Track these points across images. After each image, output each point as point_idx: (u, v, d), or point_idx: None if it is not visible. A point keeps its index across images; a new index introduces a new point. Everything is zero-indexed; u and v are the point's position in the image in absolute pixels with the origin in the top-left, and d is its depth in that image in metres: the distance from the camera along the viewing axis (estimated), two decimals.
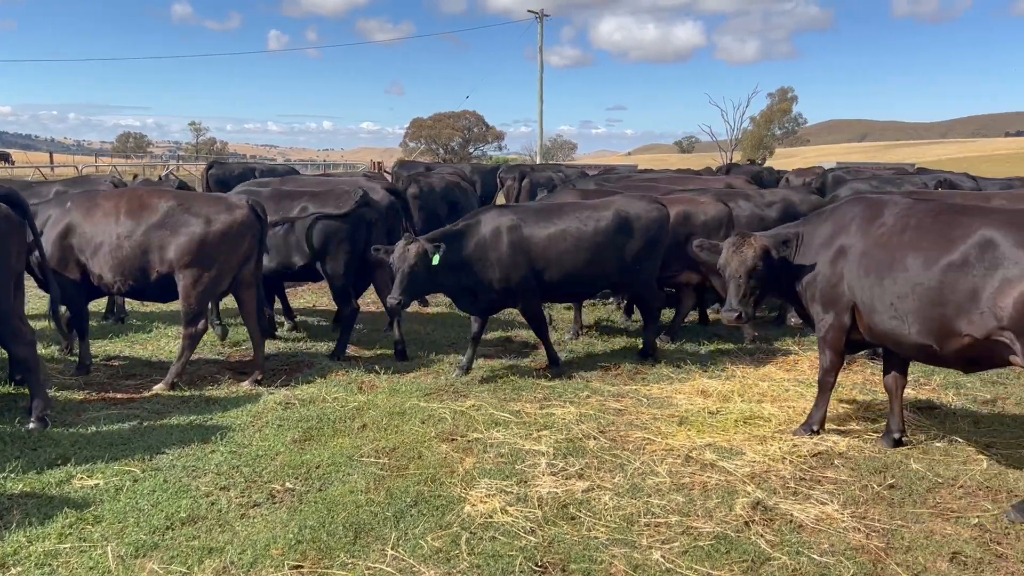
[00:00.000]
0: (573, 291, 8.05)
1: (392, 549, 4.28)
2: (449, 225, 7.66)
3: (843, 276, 5.48)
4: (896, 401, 5.81)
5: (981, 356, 4.84)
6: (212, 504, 4.81)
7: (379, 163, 24.24)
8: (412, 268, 6.83)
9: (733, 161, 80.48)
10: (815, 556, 4.23)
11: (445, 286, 7.41)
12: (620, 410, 6.58)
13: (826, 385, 5.91)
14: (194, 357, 8.12)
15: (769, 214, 9.34)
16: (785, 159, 77.65)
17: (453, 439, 5.87)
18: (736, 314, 5.86)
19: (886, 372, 5.86)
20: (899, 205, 5.38)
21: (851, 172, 13.87)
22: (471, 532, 4.45)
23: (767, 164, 65.21)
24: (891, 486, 5.14)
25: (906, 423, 6.28)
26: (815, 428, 5.92)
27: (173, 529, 4.49)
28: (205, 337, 8.79)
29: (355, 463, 5.41)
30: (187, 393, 6.92)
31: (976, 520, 4.67)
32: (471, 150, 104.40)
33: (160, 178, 17.04)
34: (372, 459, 5.48)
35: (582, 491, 4.99)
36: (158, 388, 6.94)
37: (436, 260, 6.91)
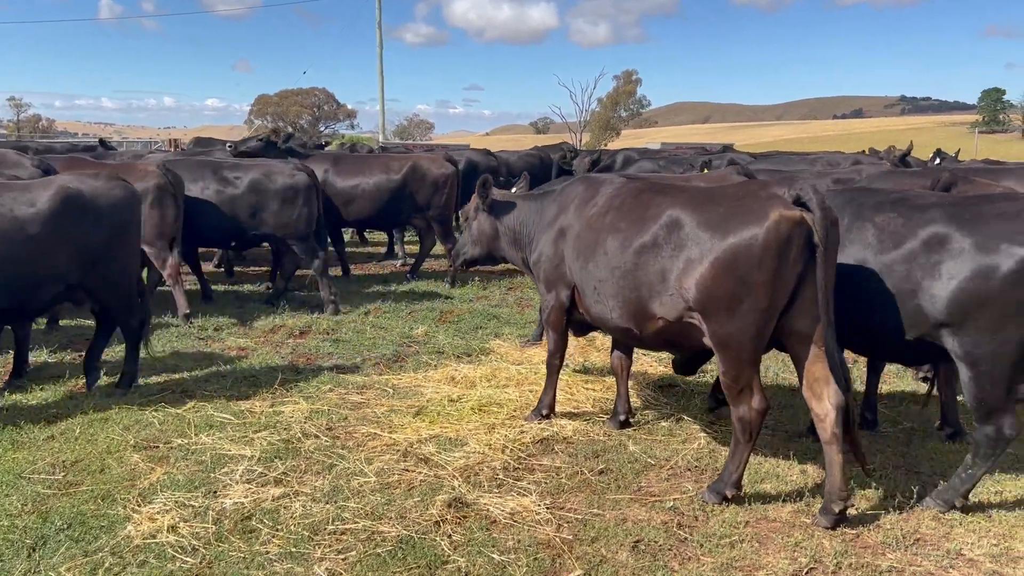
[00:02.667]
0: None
1: None
2: None
3: (563, 257, 5.35)
4: (622, 383, 5.77)
5: (678, 338, 4.79)
6: None
7: (175, 140, 22.65)
8: None
9: (584, 141, 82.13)
10: (495, 555, 4.03)
11: None
12: (359, 403, 6.22)
13: (552, 368, 5.80)
14: None
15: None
16: (633, 140, 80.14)
17: (153, 447, 5.30)
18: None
19: (612, 353, 5.82)
20: (613, 185, 5.28)
21: (646, 153, 14.22)
22: (119, 557, 3.95)
23: (607, 146, 66.65)
24: (602, 471, 5.06)
25: (645, 402, 6.33)
26: (544, 412, 5.80)
27: None
28: None
29: (22, 481, 4.75)
30: None
31: (672, 503, 4.63)
32: (321, 128, 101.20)
33: None
34: (44, 475, 4.84)
35: (274, 499, 4.59)
36: None
37: None
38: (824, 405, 4.36)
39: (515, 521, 4.38)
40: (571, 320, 5.59)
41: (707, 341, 4.51)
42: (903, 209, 4.56)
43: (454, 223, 11.62)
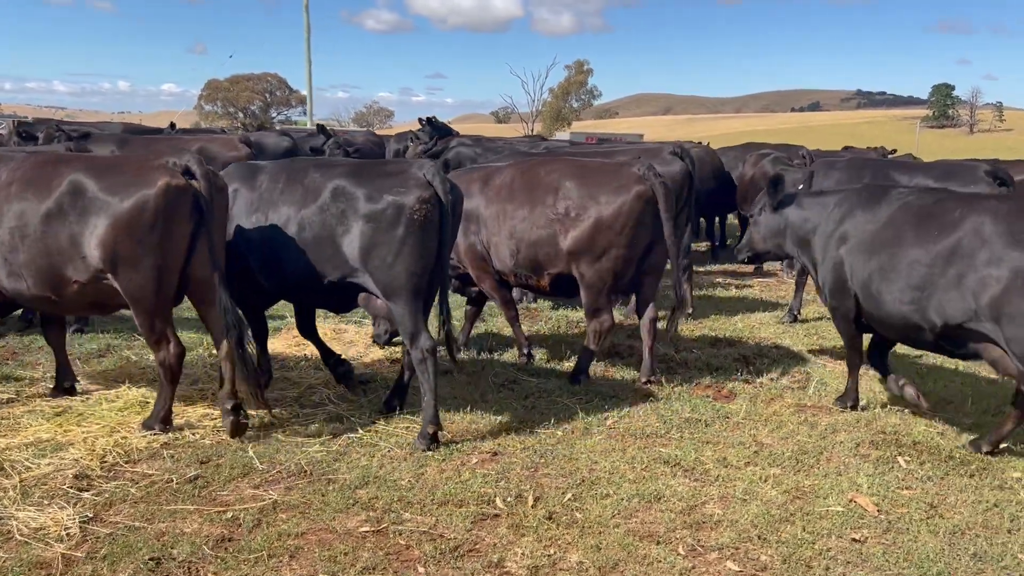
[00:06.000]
0: None
1: None
2: None
3: None
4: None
5: (99, 299, 5.04)
6: None
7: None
8: None
9: (536, 131, 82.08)
10: None
11: None
12: (5, 402, 5.75)
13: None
14: None
15: None
16: (591, 131, 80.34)
17: None
18: None
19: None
20: (15, 159, 5.19)
21: (479, 141, 13.88)
22: None
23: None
24: (194, 478, 4.67)
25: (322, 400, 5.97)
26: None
27: None
28: None
29: None
30: None
31: (234, 514, 4.27)
32: (273, 114, 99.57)
33: None
34: None
35: None
36: None
37: None
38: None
39: (33, 538, 3.97)
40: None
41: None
42: (325, 169, 5.35)
43: None
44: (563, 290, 6.44)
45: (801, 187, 6.29)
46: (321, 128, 15.85)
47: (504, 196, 6.22)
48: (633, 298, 6.70)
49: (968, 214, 4.77)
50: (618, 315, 7.09)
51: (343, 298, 5.52)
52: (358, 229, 5.06)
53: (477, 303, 7.39)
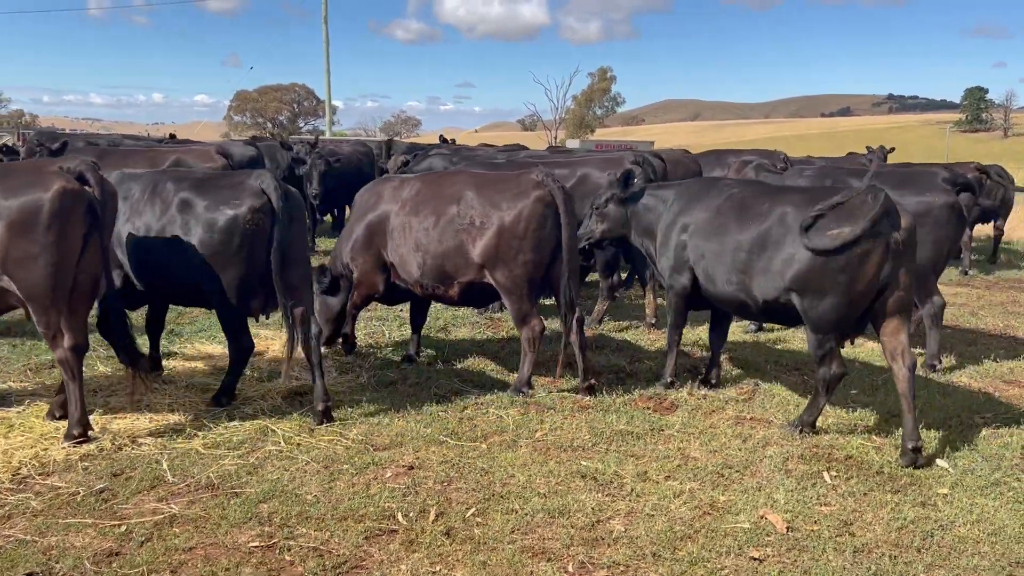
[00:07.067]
0: None
1: None
2: None
3: None
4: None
5: None
6: None
7: None
8: None
9: (559, 139, 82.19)
10: None
11: None
12: None
13: None
14: None
15: None
16: (618, 138, 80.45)
17: None
18: None
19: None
20: None
21: (459, 151, 14.06)
22: None
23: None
24: (101, 491, 4.64)
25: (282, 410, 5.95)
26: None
27: None
28: None
29: None
30: None
31: (128, 527, 4.24)
32: (301, 124, 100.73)
33: None
34: None
35: None
36: None
37: None
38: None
39: None
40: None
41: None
42: (176, 181, 5.76)
43: None
44: (473, 300, 6.48)
45: (636, 181, 6.50)
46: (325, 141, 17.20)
47: (409, 208, 6.25)
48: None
49: (775, 205, 5.44)
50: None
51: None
52: (197, 238, 5.55)
53: (419, 311, 7.34)
